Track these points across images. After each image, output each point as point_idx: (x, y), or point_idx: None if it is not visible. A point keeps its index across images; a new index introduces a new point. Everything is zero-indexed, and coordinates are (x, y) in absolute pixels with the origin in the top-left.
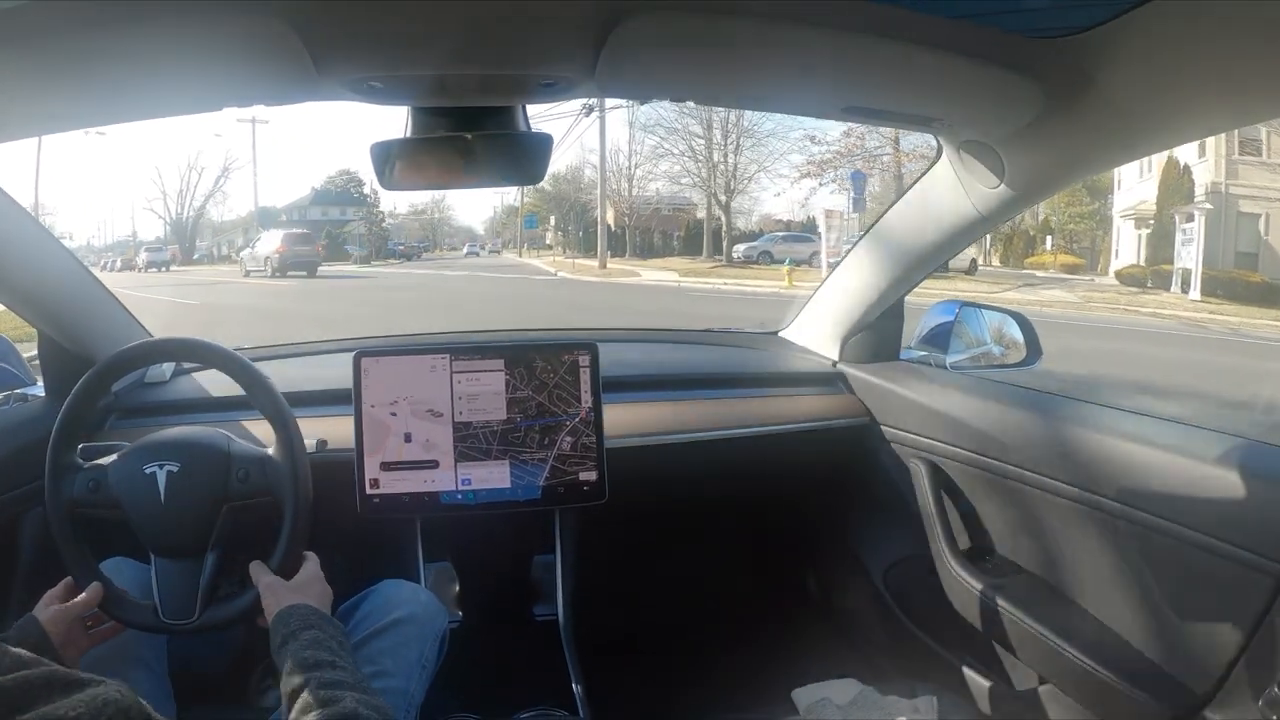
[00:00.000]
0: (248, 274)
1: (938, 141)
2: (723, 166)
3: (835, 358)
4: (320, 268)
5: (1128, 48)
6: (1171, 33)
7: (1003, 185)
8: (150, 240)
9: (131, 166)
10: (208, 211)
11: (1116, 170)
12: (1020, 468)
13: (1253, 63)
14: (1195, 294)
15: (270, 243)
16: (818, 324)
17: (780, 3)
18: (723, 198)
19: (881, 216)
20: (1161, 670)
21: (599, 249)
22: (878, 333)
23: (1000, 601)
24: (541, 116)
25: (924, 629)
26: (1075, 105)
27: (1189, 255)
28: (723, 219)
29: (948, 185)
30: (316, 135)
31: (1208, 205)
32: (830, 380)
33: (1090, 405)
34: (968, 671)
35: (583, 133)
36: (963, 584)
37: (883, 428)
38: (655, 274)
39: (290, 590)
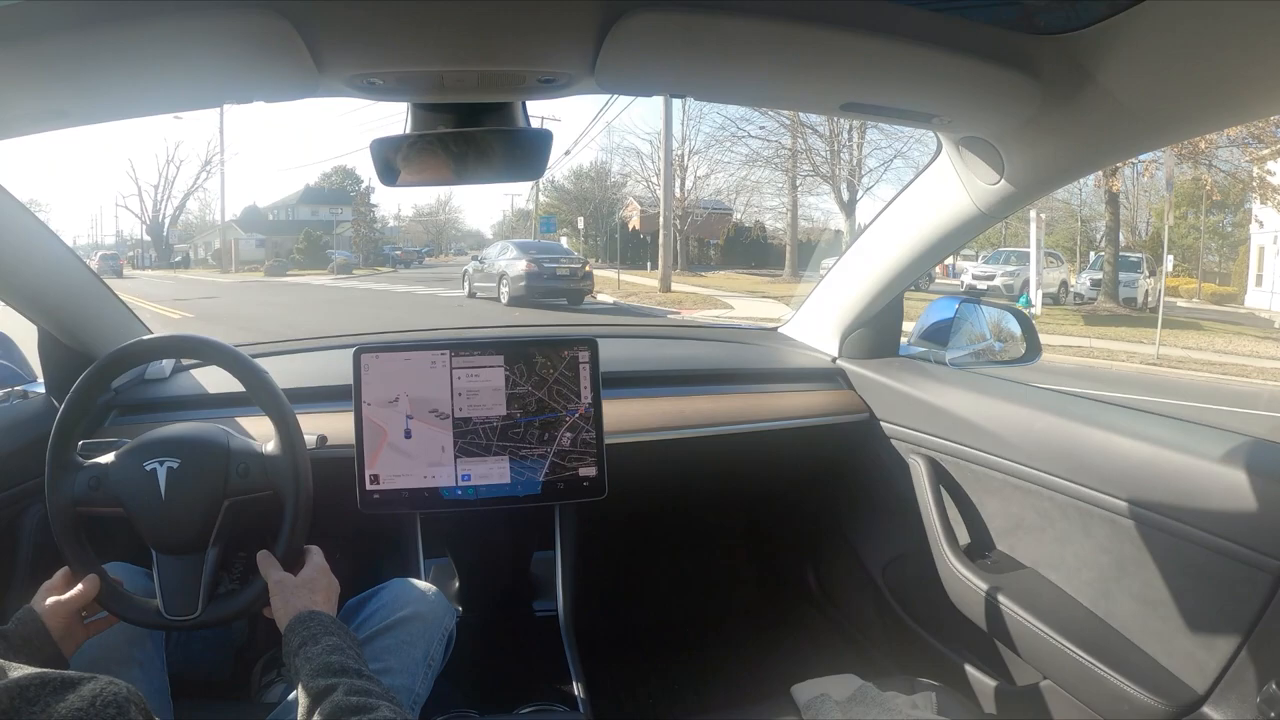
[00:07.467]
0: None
1: (936, 137)
2: (846, 154)
3: (835, 353)
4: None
5: (1126, 44)
6: (1170, 29)
7: (1002, 181)
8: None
9: (108, 159)
10: (188, 210)
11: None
12: (1019, 464)
13: (1251, 59)
14: None
15: (94, 260)
16: (817, 320)
17: (779, 1)
18: (846, 195)
19: (881, 212)
20: (1161, 666)
21: (661, 263)
22: (877, 328)
23: (999, 598)
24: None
25: (923, 625)
26: (1074, 102)
27: None
28: (844, 224)
29: (947, 181)
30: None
31: None
32: (830, 376)
33: (1089, 401)
34: (967, 667)
35: (613, 119)
36: (962, 580)
37: (882, 423)
38: (747, 305)
39: (299, 587)
